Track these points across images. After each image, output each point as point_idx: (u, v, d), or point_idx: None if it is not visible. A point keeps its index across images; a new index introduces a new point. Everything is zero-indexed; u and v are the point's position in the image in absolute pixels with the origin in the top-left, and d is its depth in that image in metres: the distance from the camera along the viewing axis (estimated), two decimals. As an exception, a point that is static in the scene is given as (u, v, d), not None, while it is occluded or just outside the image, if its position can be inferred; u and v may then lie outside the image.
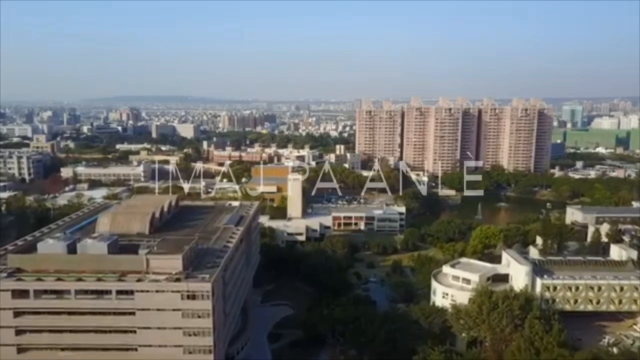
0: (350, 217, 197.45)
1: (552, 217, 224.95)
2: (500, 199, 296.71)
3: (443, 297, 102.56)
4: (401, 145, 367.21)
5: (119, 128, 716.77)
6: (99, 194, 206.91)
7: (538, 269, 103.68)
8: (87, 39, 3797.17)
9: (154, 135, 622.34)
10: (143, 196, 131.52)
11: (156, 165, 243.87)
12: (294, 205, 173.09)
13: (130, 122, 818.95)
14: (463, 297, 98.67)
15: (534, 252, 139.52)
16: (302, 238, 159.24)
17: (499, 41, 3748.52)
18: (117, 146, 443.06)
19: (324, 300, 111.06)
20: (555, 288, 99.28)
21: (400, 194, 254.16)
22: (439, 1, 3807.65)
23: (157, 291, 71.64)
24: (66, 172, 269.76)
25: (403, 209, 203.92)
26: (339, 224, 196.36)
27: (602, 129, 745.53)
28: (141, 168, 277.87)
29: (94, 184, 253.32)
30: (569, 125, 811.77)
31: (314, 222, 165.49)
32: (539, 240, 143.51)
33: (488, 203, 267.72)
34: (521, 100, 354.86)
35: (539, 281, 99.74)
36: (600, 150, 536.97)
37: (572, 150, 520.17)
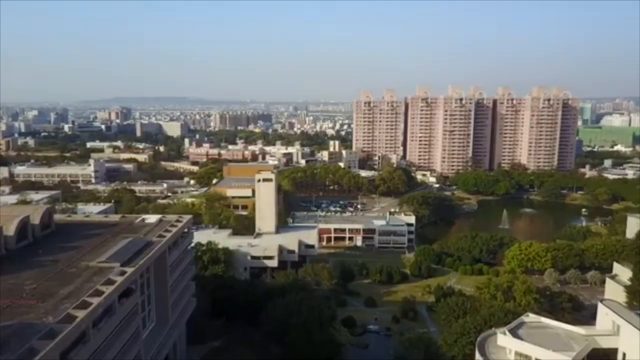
0: (343, 230, 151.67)
1: (600, 227, 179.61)
2: (523, 203, 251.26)
3: (502, 392, 56.19)
4: (404, 142, 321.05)
5: (102, 127, 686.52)
6: (15, 199, 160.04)
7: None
8: (87, 41, 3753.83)
9: (138, 134, 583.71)
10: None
11: (111, 164, 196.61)
12: (265, 216, 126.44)
13: (117, 120, 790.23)
14: (543, 398, 52.35)
15: (614, 290, 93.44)
16: (274, 263, 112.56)
17: (497, 42, 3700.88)
18: (89, 144, 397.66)
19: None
20: None
21: (407, 198, 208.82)
22: (440, 1, 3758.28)
23: None
24: (1, 172, 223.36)
25: (412, 219, 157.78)
26: (329, 239, 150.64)
27: (615, 126, 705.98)
28: (92, 168, 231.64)
29: (33, 186, 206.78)
30: (579, 122, 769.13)
31: (291, 240, 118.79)
32: (619, 270, 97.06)
33: (510, 208, 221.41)
34: (542, 90, 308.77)
35: (684, 369, 53.41)
36: (620, 148, 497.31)
37: (588, 149, 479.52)
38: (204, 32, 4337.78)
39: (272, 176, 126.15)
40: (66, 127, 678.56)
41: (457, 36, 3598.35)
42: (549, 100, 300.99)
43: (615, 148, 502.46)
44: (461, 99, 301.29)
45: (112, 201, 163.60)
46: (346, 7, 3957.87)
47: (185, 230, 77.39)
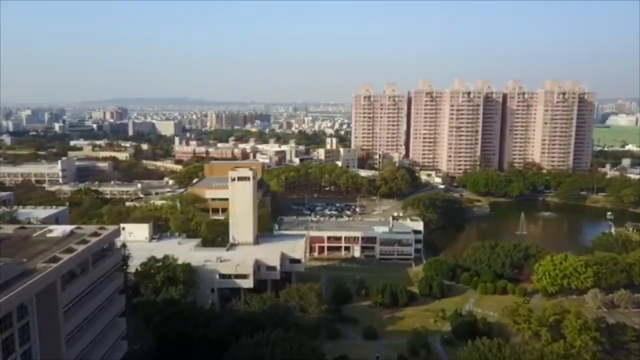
0: (338, 238, 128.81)
1: (633, 233, 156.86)
2: (539, 205, 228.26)
3: None
4: (407, 139, 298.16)
5: (94, 126, 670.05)
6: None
7: None
8: (87, 42, 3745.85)
9: (131, 133, 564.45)
10: None
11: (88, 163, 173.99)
12: (241, 223, 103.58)
13: (111, 120, 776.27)
14: None
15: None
16: (249, 284, 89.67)
17: (497, 42, 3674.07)
18: (72, 142, 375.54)
19: None
20: None
21: (411, 200, 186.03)
22: (440, 1, 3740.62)
23: None
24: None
25: (420, 225, 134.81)
26: (321, 249, 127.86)
27: (624, 126, 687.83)
28: (59, 166, 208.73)
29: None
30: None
31: (272, 253, 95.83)
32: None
33: (526, 211, 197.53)
34: (556, 83, 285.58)
35: None
36: (632, 148, 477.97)
37: (598, 148, 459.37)
38: (204, 33, 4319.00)
39: (250, 174, 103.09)
40: (57, 127, 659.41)
41: (457, 36, 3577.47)
42: (564, 94, 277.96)
43: (627, 148, 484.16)
44: (469, 93, 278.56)
45: (67, 204, 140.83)
46: (347, 7, 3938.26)
47: (106, 246, 54.60)
